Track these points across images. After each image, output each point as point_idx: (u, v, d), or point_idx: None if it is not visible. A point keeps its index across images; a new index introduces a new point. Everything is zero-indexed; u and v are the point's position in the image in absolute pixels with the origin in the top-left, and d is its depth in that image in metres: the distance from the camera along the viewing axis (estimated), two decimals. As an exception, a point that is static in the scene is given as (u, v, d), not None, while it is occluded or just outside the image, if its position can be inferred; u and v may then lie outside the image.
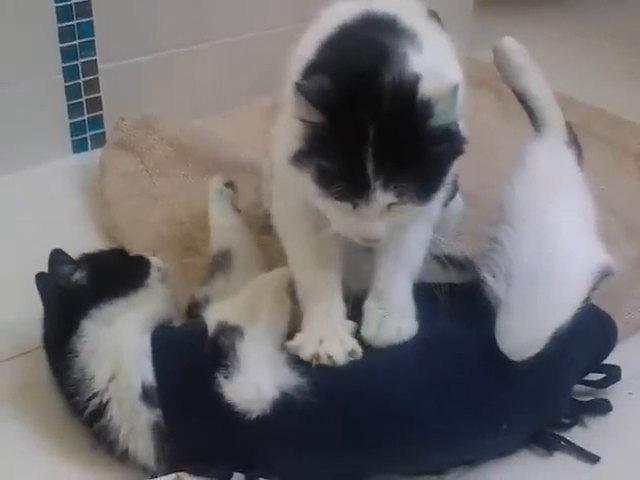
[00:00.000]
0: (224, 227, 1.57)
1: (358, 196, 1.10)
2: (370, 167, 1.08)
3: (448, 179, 1.17)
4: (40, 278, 1.39)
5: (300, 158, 1.13)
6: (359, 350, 1.21)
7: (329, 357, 1.19)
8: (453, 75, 1.17)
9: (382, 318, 1.23)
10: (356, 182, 1.09)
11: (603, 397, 1.40)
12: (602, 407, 1.39)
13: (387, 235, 1.15)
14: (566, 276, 1.26)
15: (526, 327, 1.24)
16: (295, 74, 1.16)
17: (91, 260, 1.37)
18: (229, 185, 1.64)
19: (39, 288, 1.39)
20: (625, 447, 1.35)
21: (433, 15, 1.33)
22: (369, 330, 1.23)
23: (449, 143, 1.11)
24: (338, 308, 1.25)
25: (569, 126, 1.44)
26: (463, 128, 1.17)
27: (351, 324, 1.24)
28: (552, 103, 1.45)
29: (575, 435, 1.34)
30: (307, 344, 1.21)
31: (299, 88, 1.08)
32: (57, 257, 1.36)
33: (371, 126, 1.07)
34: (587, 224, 1.32)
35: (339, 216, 1.15)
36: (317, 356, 1.19)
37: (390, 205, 1.11)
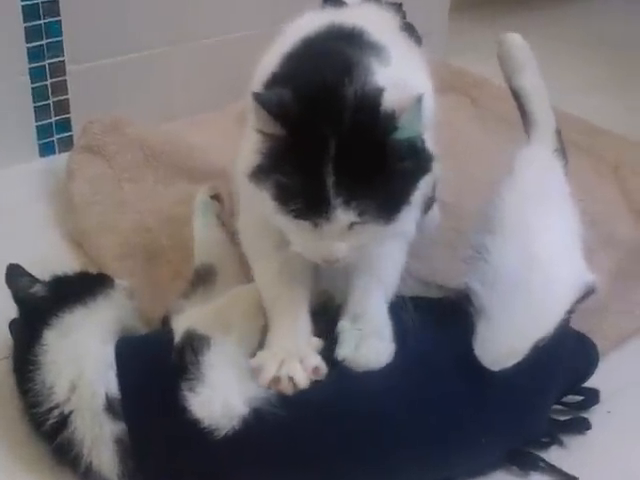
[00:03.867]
0: (208, 241, 1.53)
1: (318, 214, 1.06)
2: (330, 183, 1.04)
3: (415, 198, 1.12)
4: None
5: (259, 173, 1.09)
6: (324, 368, 1.17)
7: (290, 379, 1.14)
8: (420, 87, 1.13)
9: (358, 340, 1.19)
10: (316, 199, 1.05)
11: (582, 415, 1.38)
12: (581, 426, 1.36)
13: (348, 256, 1.11)
14: (549, 288, 1.24)
15: (506, 336, 1.22)
16: (257, 86, 1.13)
17: (53, 277, 1.36)
18: (215, 197, 1.60)
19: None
20: (604, 467, 1.32)
21: (408, 27, 1.31)
22: (345, 352, 1.18)
23: (414, 159, 1.08)
24: (303, 324, 1.21)
25: (559, 133, 1.42)
26: (430, 143, 1.14)
27: (317, 341, 1.19)
28: (547, 107, 1.43)
29: (553, 455, 1.31)
30: (267, 366, 1.16)
31: (258, 99, 1.05)
32: (14, 271, 1.34)
33: (332, 140, 1.03)
34: (573, 239, 1.30)
35: (299, 236, 1.11)
36: (277, 380, 1.14)
37: (352, 224, 1.07)
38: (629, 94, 2.40)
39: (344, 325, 1.20)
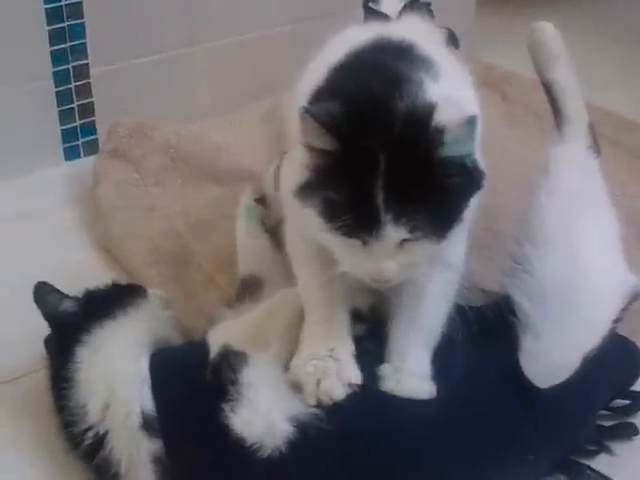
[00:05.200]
0: (253, 248, 1.50)
1: (367, 231, 1.03)
2: (380, 198, 1.01)
3: (466, 215, 1.09)
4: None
5: (305, 190, 1.06)
6: (359, 379, 1.15)
7: (328, 395, 1.13)
8: (470, 106, 1.11)
9: (397, 382, 1.17)
10: (365, 215, 1.02)
11: (629, 421, 1.35)
12: (628, 431, 1.33)
13: (400, 276, 1.08)
14: (597, 299, 1.21)
15: (556, 352, 1.19)
16: (301, 100, 1.10)
17: (84, 291, 1.34)
18: (260, 201, 1.56)
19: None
20: (653, 474, 1.30)
21: (451, 37, 1.29)
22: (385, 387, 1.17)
23: (464, 176, 1.05)
24: (343, 324, 1.19)
25: (592, 127, 1.38)
26: (481, 163, 1.10)
27: (350, 346, 1.18)
28: (578, 99, 1.39)
29: (601, 462, 1.28)
30: (306, 384, 1.14)
31: (307, 112, 1.02)
32: (42, 289, 1.33)
33: (382, 155, 1.01)
34: (615, 243, 1.27)
35: (347, 254, 1.08)
36: (319, 401, 1.13)
37: (402, 242, 1.05)
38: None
39: (385, 372, 1.18)
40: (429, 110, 1.03)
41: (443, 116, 1.02)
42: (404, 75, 1.07)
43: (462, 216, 1.08)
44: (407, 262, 1.07)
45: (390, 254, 1.05)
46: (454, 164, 1.03)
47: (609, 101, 2.12)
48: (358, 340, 1.20)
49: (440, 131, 1.01)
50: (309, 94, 1.10)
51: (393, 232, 1.03)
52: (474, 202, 1.10)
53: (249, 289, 1.40)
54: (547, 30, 1.41)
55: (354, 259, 1.07)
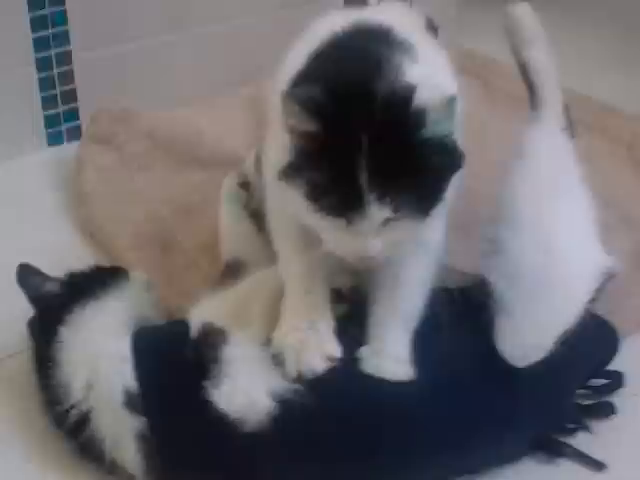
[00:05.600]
0: (236, 233, 1.51)
1: (351, 210, 1.05)
2: (363, 178, 1.03)
3: (447, 195, 1.11)
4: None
5: (289, 172, 1.08)
6: (338, 354, 1.17)
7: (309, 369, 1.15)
8: (448, 86, 1.13)
9: (376, 365, 1.18)
10: (349, 194, 1.04)
11: (607, 400, 1.36)
12: (606, 410, 1.35)
13: (384, 254, 1.10)
14: (572, 279, 1.22)
15: (532, 331, 1.20)
16: (283, 85, 1.12)
17: (67, 273, 1.35)
18: (243, 185, 1.57)
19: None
20: (632, 451, 1.31)
21: (430, 25, 1.30)
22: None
23: (445, 156, 1.07)
24: (321, 297, 1.20)
25: (567, 110, 1.39)
26: (461, 142, 1.12)
27: (330, 320, 1.19)
28: (554, 82, 1.40)
29: (580, 440, 1.30)
30: (287, 359, 1.16)
31: (290, 95, 1.04)
32: (25, 271, 1.34)
33: (364, 136, 1.02)
34: (589, 224, 1.28)
35: (332, 234, 1.09)
36: (300, 374, 1.15)
37: (386, 221, 1.06)
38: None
39: (364, 354, 1.19)
40: (409, 91, 1.05)
41: (423, 97, 1.04)
42: (383, 57, 1.09)
43: (443, 195, 1.10)
44: (391, 240, 1.09)
45: (374, 233, 1.07)
46: (435, 144, 1.05)
47: (592, 89, 2.14)
48: (338, 320, 1.21)
49: (421, 112, 1.03)
50: (290, 79, 1.12)
51: (377, 211, 1.04)
52: (454, 182, 1.12)
53: (233, 272, 1.41)
54: (524, 11, 1.42)
55: (339, 238, 1.09)
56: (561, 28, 2.53)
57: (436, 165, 1.06)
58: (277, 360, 1.16)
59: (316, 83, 1.06)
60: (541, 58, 1.40)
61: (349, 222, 1.06)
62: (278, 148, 1.11)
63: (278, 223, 1.24)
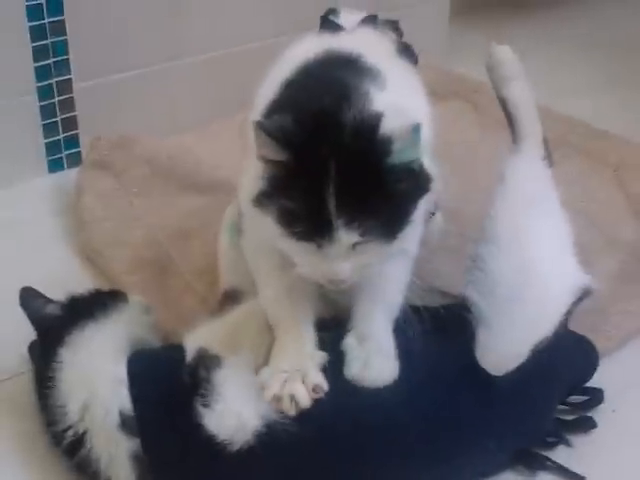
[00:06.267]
0: (235, 263, 1.49)
1: (321, 235, 1.08)
2: (332, 204, 1.06)
3: (416, 216, 1.15)
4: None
5: (262, 199, 1.11)
6: (324, 386, 1.17)
7: (292, 398, 1.16)
8: (418, 113, 1.16)
9: (365, 359, 1.20)
10: (318, 221, 1.07)
11: (587, 415, 1.40)
12: (586, 425, 1.38)
13: (353, 276, 1.13)
14: (545, 294, 1.26)
15: (507, 342, 1.24)
16: (257, 114, 1.15)
17: (68, 297, 1.38)
18: None
19: None
20: (610, 465, 1.34)
21: (405, 49, 1.34)
22: (352, 372, 1.20)
23: (411, 181, 1.10)
24: (307, 339, 1.22)
25: (546, 142, 1.44)
26: (429, 164, 1.16)
27: (320, 355, 1.21)
28: (534, 116, 1.45)
29: (560, 454, 1.33)
30: (270, 384, 1.17)
31: (260, 126, 1.07)
32: (27, 293, 1.37)
33: (332, 163, 1.05)
34: (565, 244, 1.32)
35: (303, 258, 1.13)
36: (279, 398, 1.15)
37: (355, 245, 1.10)
38: (627, 95, 2.41)
39: (350, 344, 1.22)
40: (376, 119, 1.08)
41: (389, 125, 1.07)
42: (351, 86, 1.12)
43: (411, 218, 1.13)
44: (360, 263, 1.12)
45: (343, 256, 1.10)
46: (401, 170, 1.08)
47: (577, 109, 2.18)
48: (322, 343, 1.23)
49: (387, 140, 1.06)
50: (263, 108, 1.16)
51: (345, 236, 1.08)
52: (423, 204, 1.16)
53: (231, 301, 1.42)
54: (504, 52, 1.47)
55: (310, 262, 1.12)
56: (551, 52, 2.60)
57: (402, 190, 1.09)
58: (264, 394, 1.17)
59: (286, 113, 1.09)
60: (520, 94, 1.45)
61: (319, 246, 1.09)
62: (253, 176, 1.14)
63: (253, 247, 1.28)
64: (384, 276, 1.22)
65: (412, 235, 1.21)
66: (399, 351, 1.22)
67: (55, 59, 1.97)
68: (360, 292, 1.23)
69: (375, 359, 1.21)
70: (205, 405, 1.17)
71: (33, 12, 1.90)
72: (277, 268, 1.22)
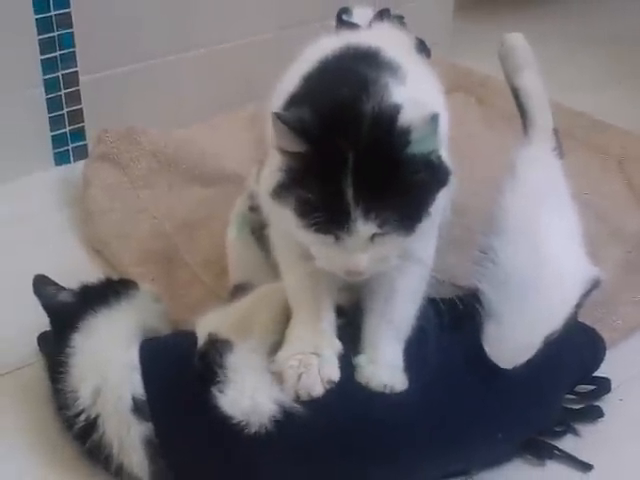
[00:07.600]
0: (245, 257, 1.53)
1: (339, 227, 1.08)
2: (350, 196, 1.06)
3: (433, 210, 1.14)
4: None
5: (281, 191, 1.12)
6: (336, 378, 1.19)
7: (307, 391, 1.17)
8: (435, 106, 1.16)
9: (371, 374, 1.22)
10: (336, 212, 1.07)
11: (594, 404, 1.41)
12: (593, 414, 1.39)
13: (371, 269, 1.13)
14: (557, 286, 1.27)
15: (518, 335, 1.25)
16: (276, 107, 1.15)
17: (80, 284, 1.40)
18: (253, 209, 1.56)
19: None
20: (617, 454, 1.35)
21: (421, 46, 1.35)
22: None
23: (430, 173, 1.10)
24: (328, 325, 1.23)
25: (557, 133, 1.44)
26: (447, 158, 1.16)
27: (339, 345, 1.22)
28: (545, 106, 1.45)
29: (567, 443, 1.34)
30: (287, 376, 1.18)
31: (280, 118, 1.07)
32: (40, 281, 1.38)
33: (350, 155, 1.06)
34: (575, 235, 1.33)
35: (321, 250, 1.13)
36: (296, 393, 1.17)
37: (373, 236, 1.10)
38: (632, 89, 2.42)
39: (360, 362, 1.23)
40: (395, 111, 1.08)
41: (408, 116, 1.07)
42: (371, 79, 1.12)
43: (429, 210, 1.13)
44: (378, 255, 1.12)
45: (361, 248, 1.10)
46: (420, 161, 1.08)
47: (581, 103, 2.19)
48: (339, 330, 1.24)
49: (406, 130, 1.06)
50: (283, 102, 1.16)
51: (363, 227, 1.08)
52: (441, 197, 1.15)
53: (241, 294, 1.42)
54: (517, 40, 1.48)
55: (328, 254, 1.12)
56: (555, 46, 2.60)
57: (421, 181, 1.09)
58: (278, 378, 1.19)
59: (305, 105, 1.10)
60: (531, 84, 1.45)
61: (337, 238, 1.09)
62: (272, 167, 1.14)
63: (280, 245, 1.28)
64: (397, 292, 1.23)
65: (427, 244, 1.23)
66: (411, 347, 1.24)
67: (61, 52, 1.97)
68: (372, 308, 1.24)
69: (381, 374, 1.22)
70: (219, 389, 1.18)
71: (39, 5, 1.90)
72: (300, 257, 1.21)
